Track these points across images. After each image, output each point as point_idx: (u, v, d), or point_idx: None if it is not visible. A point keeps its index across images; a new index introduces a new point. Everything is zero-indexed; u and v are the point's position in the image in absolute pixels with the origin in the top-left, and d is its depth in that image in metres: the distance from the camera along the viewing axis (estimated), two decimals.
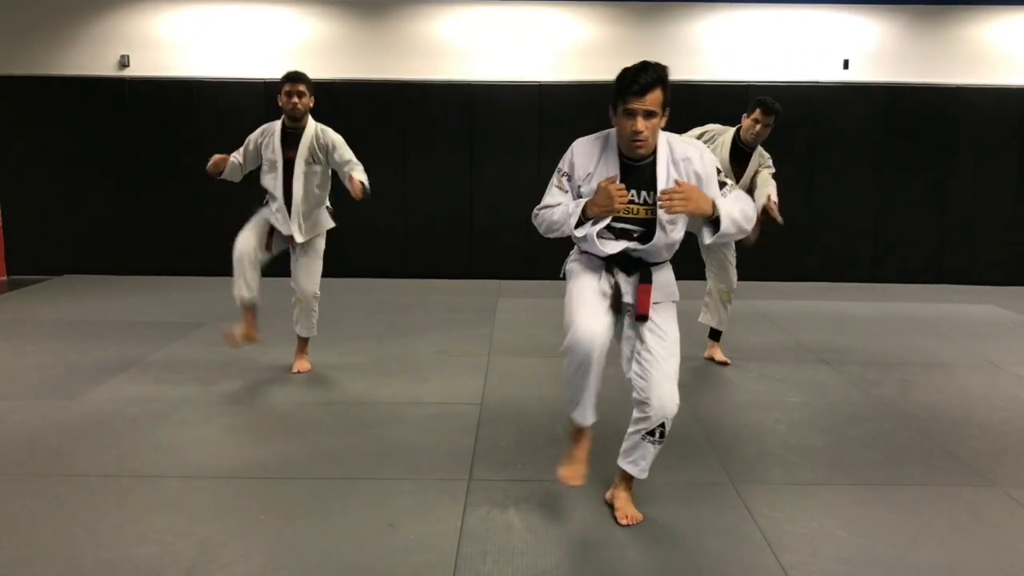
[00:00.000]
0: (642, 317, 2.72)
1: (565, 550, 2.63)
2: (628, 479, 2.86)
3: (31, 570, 2.44)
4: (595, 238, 2.68)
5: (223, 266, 7.64)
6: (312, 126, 4.53)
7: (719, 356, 4.93)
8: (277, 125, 4.54)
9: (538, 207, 2.85)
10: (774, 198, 4.60)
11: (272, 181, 4.49)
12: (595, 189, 2.68)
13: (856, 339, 5.65)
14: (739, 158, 4.70)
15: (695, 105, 7.91)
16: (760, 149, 4.76)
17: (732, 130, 4.72)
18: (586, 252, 2.83)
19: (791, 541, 2.68)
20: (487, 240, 8.11)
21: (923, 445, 3.61)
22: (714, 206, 2.62)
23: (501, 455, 3.39)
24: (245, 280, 4.42)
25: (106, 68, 7.86)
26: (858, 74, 7.97)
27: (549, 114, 7.90)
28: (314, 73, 7.70)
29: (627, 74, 2.61)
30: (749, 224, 2.75)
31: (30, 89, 7.83)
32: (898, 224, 8.12)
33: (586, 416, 2.80)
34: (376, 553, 2.57)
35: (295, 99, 4.40)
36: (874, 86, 7.95)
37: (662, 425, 2.68)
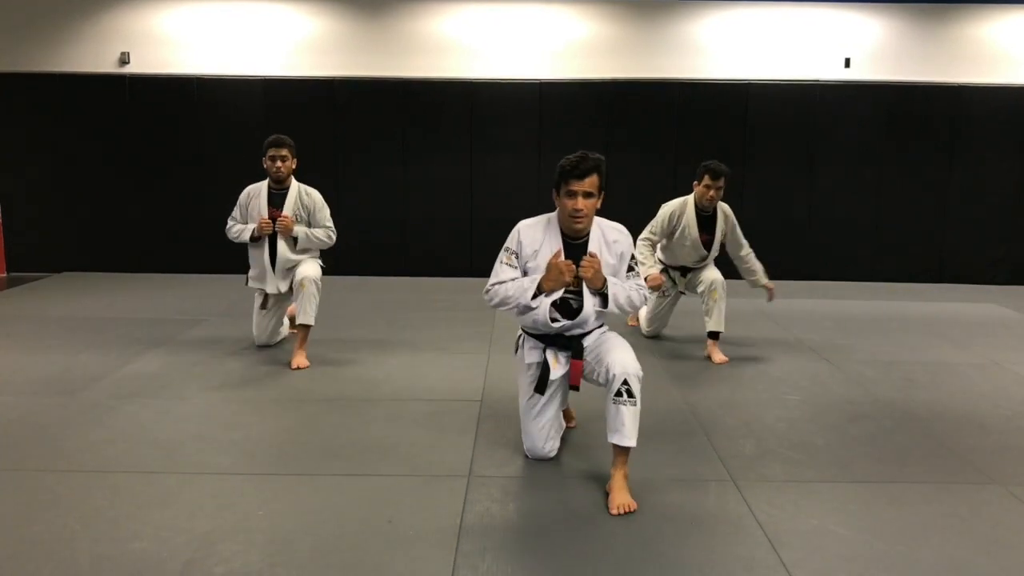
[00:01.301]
0: (575, 387, 3.13)
1: (564, 547, 2.61)
2: (621, 458, 2.90)
3: (28, 565, 2.43)
4: (548, 310, 3.02)
5: (223, 264, 7.68)
6: (295, 187, 4.77)
7: (717, 356, 4.91)
8: (263, 187, 4.77)
9: (489, 283, 3.13)
10: (768, 283, 5.13)
11: (259, 245, 4.75)
12: (541, 266, 3.04)
13: (857, 338, 5.63)
14: (704, 225, 5.00)
15: (696, 104, 7.94)
16: (722, 208, 5.01)
17: (690, 202, 4.98)
18: (528, 335, 3.20)
19: (792, 538, 2.66)
20: (488, 238, 8.07)
21: (924, 443, 3.59)
22: (605, 284, 3.05)
23: (501, 452, 3.38)
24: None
25: (106, 65, 7.85)
26: (859, 72, 7.95)
27: (550, 112, 7.89)
28: (315, 71, 7.82)
29: (568, 162, 2.99)
30: (632, 309, 3.20)
31: (30, 86, 7.82)
32: (899, 223, 8.11)
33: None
34: (375, 548, 2.56)
35: (279, 163, 4.67)
36: (875, 84, 7.94)
37: (625, 383, 2.89)
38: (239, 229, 4.80)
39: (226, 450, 3.39)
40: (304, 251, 4.80)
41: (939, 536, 2.71)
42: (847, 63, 7.95)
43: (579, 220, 3.01)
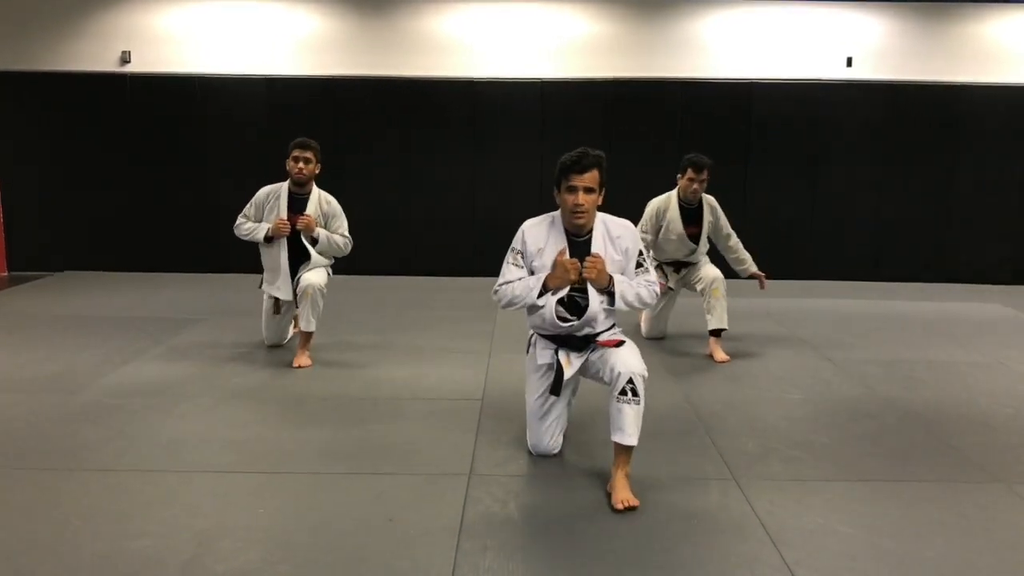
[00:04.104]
0: (619, 343, 3.06)
1: (565, 545, 2.61)
2: (622, 456, 2.90)
3: (29, 563, 2.42)
4: (554, 307, 3.03)
5: (224, 263, 7.67)
6: (316, 194, 4.65)
7: (719, 355, 4.90)
8: (283, 189, 4.63)
9: (497, 284, 3.17)
10: (758, 272, 5.12)
11: (276, 247, 4.62)
12: (547, 264, 3.07)
13: (859, 336, 5.62)
14: (689, 219, 5.02)
15: (698, 103, 7.93)
16: (707, 200, 5.05)
17: (673, 197, 5.03)
18: (540, 335, 3.19)
19: (794, 537, 2.65)
20: (490, 237, 8.07)
21: (928, 441, 3.58)
22: (611, 282, 3.04)
23: (502, 450, 3.37)
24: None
25: (107, 64, 7.85)
26: (861, 71, 7.94)
27: (552, 111, 7.88)
28: (317, 70, 7.83)
29: (568, 157, 3.02)
30: (643, 306, 3.20)
31: (31, 85, 7.82)
32: (902, 222, 8.09)
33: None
34: (375, 547, 2.55)
35: (300, 164, 4.53)
36: (877, 84, 7.92)
37: (630, 381, 2.89)
38: (251, 227, 4.65)
39: (227, 448, 3.38)
40: (320, 257, 4.71)
41: (942, 535, 2.69)
42: (849, 62, 7.93)
43: (580, 216, 3.02)
